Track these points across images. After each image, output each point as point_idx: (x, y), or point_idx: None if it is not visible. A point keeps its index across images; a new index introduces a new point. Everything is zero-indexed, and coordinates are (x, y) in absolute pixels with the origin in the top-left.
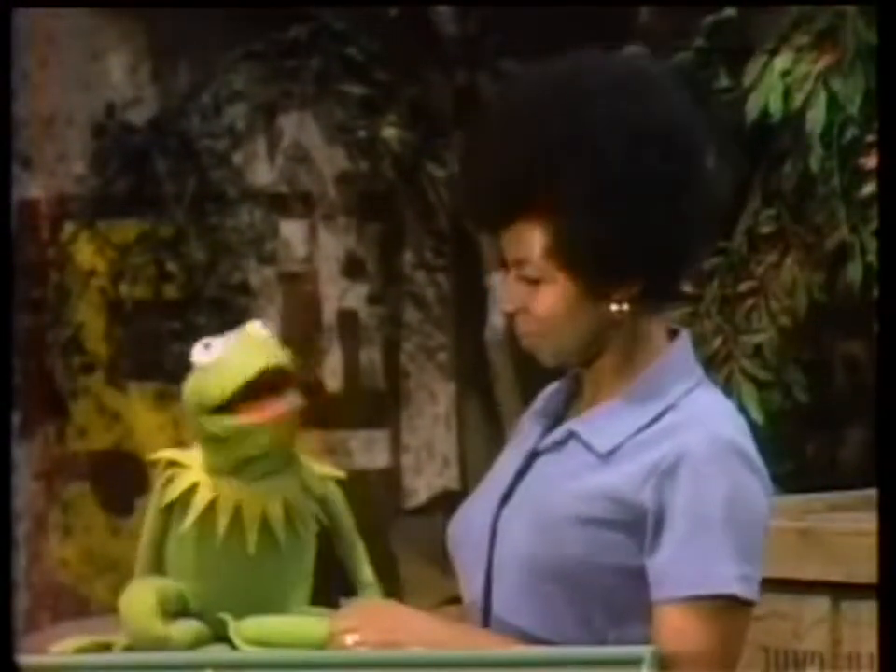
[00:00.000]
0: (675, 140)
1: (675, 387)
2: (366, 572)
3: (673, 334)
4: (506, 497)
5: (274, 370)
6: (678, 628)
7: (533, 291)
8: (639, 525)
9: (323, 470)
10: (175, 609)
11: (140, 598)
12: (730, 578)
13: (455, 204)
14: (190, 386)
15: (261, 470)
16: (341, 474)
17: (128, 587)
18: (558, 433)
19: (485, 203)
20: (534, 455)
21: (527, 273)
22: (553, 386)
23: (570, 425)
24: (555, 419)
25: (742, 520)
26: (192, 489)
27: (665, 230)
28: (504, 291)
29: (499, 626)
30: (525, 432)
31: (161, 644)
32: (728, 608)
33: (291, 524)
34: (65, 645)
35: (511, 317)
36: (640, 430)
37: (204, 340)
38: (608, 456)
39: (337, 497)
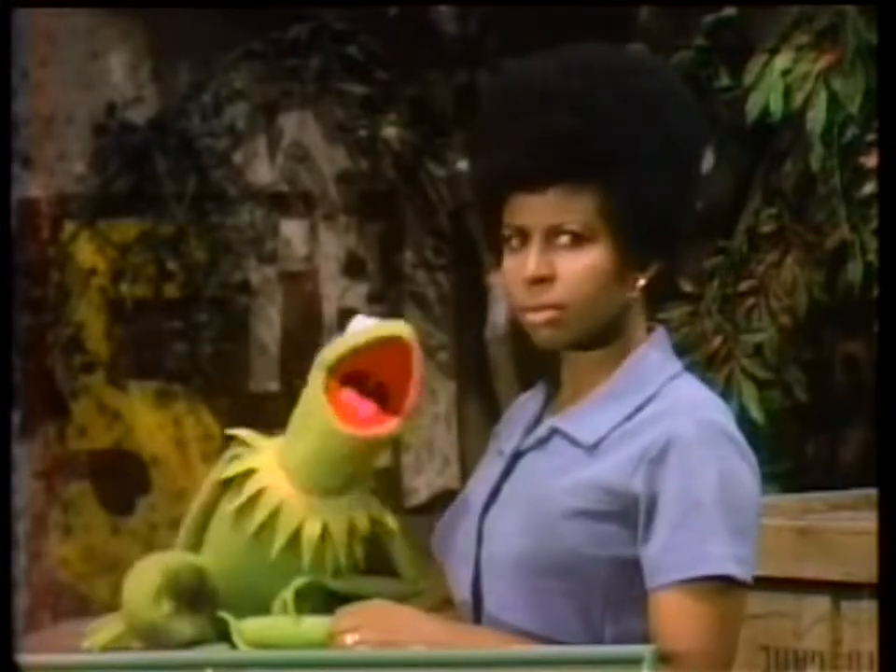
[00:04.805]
0: (696, 122)
1: (656, 377)
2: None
3: (650, 331)
4: (491, 498)
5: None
6: (675, 613)
7: (569, 256)
8: (631, 513)
9: (378, 514)
10: (187, 586)
11: (144, 581)
12: (725, 559)
13: (484, 166)
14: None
15: (324, 484)
16: (393, 524)
17: (137, 564)
18: (540, 431)
19: (532, 163)
20: (517, 456)
21: (569, 235)
22: (528, 393)
23: (552, 422)
24: (536, 420)
25: (734, 502)
26: (247, 474)
27: (685, 213)
28: (530, 258)
29: (492, 624)
30: (506, 435)
31: (154, 633)
32: (724, 589)
33: (322, 550)
34: (93, 638)
35: (535, 285)
36: (625, 420)
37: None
38: (594, 448)
39: (392, 547)
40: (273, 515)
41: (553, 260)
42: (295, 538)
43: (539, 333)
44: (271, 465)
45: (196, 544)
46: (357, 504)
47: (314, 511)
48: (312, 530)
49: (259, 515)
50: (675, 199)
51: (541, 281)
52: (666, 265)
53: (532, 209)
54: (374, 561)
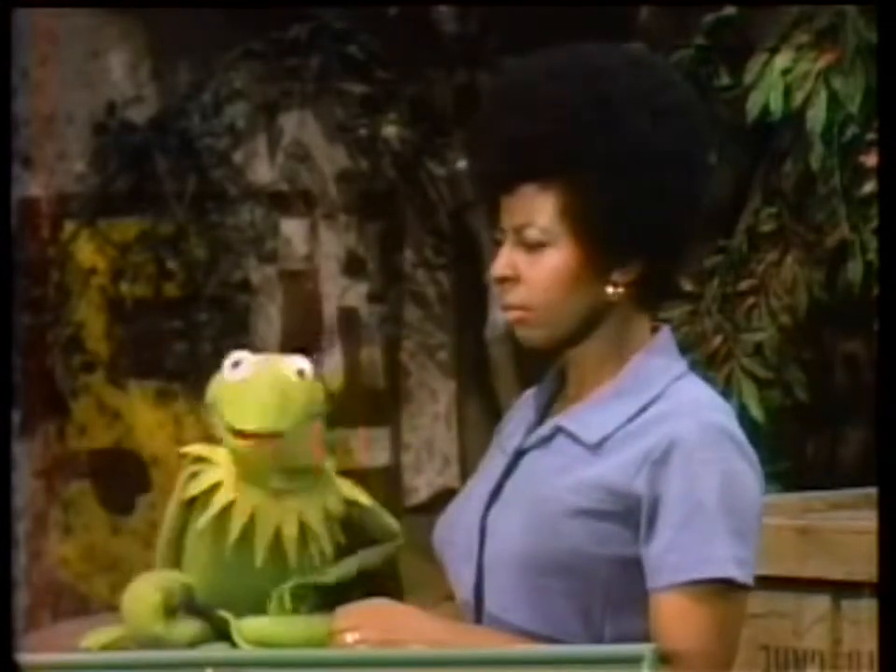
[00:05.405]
0: (689, 121)
1: (661, 377)
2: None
3: (655, 331)
4: (493, 496)
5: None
6: (676, 614)
7: (533, 258)
8: (633, 514)
9: (350, 493)
10: (181, 601)
11: (143, 596)
12: (726, 561)
13: (473, 169)
14: (215, 395)
15: (285, 484)
16: (366, 501)
17: (133, 582)
18: (544, 429)
19: (498, 163)
20: (520, 454)
21: (531, 237)
22: (533, 388)
23: (556, 420)
24: (539, 418)
25: (736, 504)
26: (214, 488)
27: (672, 213)
28: (499, 258)
29: (493, 624)
30: (508, 433)
31: (160, 644)
32: (725, 592)
33: (304, 544)
34: (94, 638)
35: (501, 285)
36: (629, 421)
37: (237, 355)
38: (597, 448)
39: (364, 519)
40: (249, 526)
41: (517, 262)
42: (276, 542)
43: (517, 332)
44: (232, 475)
45: (173, 566)
46: (327, 490)
47: (286, 511)
48: (290, 531)
49: (235, 528)
50: (649, 200)
51: (505, 281)
52: (655, 265)
53: (506, 210)
54: (351, 536)
